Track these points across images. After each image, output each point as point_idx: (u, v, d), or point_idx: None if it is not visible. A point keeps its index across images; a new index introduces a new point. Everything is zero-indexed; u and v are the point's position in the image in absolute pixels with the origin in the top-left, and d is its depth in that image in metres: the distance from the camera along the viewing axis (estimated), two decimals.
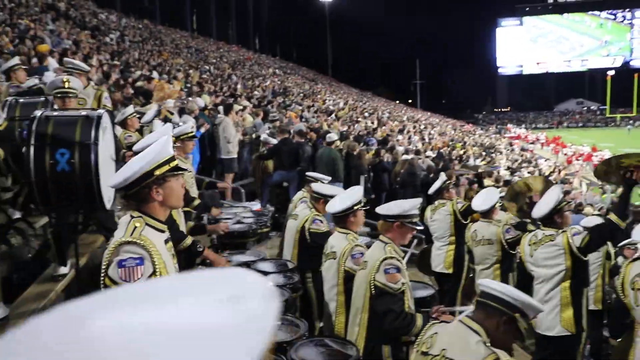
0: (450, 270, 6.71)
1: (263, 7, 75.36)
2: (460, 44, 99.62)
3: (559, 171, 30.77)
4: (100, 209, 3.88)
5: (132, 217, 2.58)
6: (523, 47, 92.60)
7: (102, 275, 2.46)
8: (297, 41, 79.75)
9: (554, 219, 4.73)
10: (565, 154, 41.43)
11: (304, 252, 5.34)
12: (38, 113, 3.86)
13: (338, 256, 4.37)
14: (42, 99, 5.01)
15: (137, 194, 2.59)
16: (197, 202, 5.73)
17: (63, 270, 4.76)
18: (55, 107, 5.25)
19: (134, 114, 7.01)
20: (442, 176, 7.46)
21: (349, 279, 4.23)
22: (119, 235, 2.51)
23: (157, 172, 2.56)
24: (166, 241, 2.66)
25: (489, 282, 2.79)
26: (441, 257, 6.79)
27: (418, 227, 3.94)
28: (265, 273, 4.33)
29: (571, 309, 4.57)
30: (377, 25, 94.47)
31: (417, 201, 3.95)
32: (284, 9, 77.31)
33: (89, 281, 5.34)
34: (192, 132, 6.02)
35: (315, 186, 5.43)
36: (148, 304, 0.63)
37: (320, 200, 5.30)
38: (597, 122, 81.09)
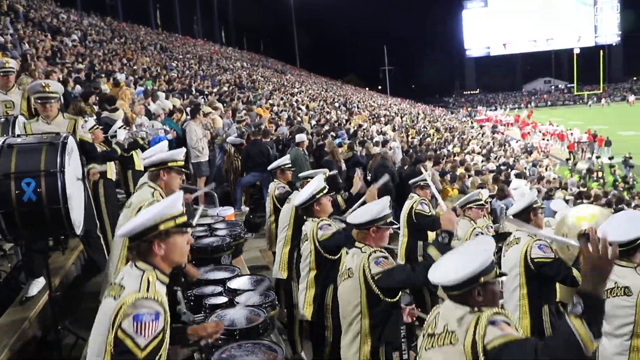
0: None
1: None
2: (427, 28, 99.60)
3: (530, 153, 31.19)
4: (70, 235, 3.82)
5: (140, 268, 2.51)
6: (489, 28, 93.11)
7: (115, 327, 2.34)
8: (264, 32, 79.19)
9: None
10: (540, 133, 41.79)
11: (297, 232, 5.36)
12: (0, 141, 3.77)
13: (309, 237, 4.62)
14: (2, 119, 4.88)
15: (138, 246, 2.55)
16: None
17: (36, 287, 4.73)
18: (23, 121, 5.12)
19: (96, 127, 6.80)
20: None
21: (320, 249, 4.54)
22: (132, 289, 2.42)
23: (162, 227, 2.52)
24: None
25: (440, 277, 2.60)
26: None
27: (394, 226, 3.83)
28: (240, 292, 4.27)
29: None
30: (343, 12, 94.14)
31: (386, 200, 3.83)
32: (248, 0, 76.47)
33: (62, 302, 5.30)
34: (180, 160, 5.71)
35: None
36: None
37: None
38: (566, 101, 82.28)
